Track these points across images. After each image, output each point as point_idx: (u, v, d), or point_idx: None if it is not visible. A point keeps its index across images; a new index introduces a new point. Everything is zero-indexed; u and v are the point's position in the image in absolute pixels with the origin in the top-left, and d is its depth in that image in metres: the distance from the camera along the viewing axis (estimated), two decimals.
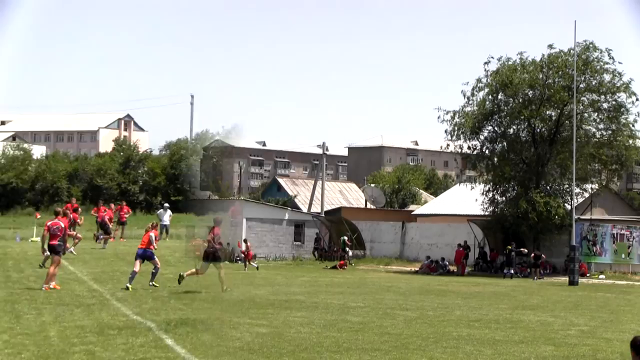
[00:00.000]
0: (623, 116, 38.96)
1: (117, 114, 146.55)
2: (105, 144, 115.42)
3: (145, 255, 22.66)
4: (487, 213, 40.48)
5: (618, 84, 38.33)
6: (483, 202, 40.32)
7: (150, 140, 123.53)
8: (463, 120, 39.77)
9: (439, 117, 40.03)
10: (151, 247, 22.74)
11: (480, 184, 42.58)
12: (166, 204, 45.64)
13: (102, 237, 35.76)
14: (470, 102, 40.10)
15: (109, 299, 19.52)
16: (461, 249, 38.53)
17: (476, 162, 41.83)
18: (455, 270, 37.57)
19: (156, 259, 22.94)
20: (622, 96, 38.61)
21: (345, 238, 42.64)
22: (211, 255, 22.25)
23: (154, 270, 22.94)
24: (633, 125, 39.20)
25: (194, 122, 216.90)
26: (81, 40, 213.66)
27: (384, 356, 13.79)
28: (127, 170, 71.29)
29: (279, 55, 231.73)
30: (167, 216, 42.63)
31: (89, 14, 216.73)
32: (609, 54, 38.31)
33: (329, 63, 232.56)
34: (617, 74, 38.33)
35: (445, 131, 40.52)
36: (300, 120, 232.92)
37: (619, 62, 38.71)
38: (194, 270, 22.67)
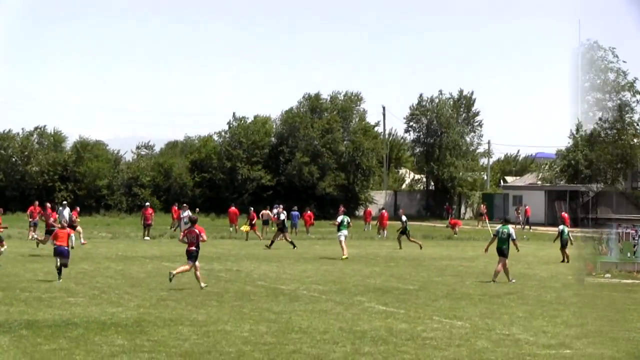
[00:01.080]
0: (628, 115, 38.98)
1: None
2: None
3: (62, 251, 23.70)
4: None
5: (622, 83, 38.33)
6: None
7: None
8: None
9: None
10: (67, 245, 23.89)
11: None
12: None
13: None
14: None
15: None
16: None
17: None
18: None
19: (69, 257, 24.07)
20: (627, 95, 38.65)
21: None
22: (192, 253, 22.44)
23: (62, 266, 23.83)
24: (638, 124, 39.25)
25: None
26: None
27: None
28: None
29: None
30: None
31: None
32: (613, 53, 38.36)
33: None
34: (621, 73, 38.35)
35: None
36: None
37: (623, 61, 38.58)
38: (183, 268, 22.79)
